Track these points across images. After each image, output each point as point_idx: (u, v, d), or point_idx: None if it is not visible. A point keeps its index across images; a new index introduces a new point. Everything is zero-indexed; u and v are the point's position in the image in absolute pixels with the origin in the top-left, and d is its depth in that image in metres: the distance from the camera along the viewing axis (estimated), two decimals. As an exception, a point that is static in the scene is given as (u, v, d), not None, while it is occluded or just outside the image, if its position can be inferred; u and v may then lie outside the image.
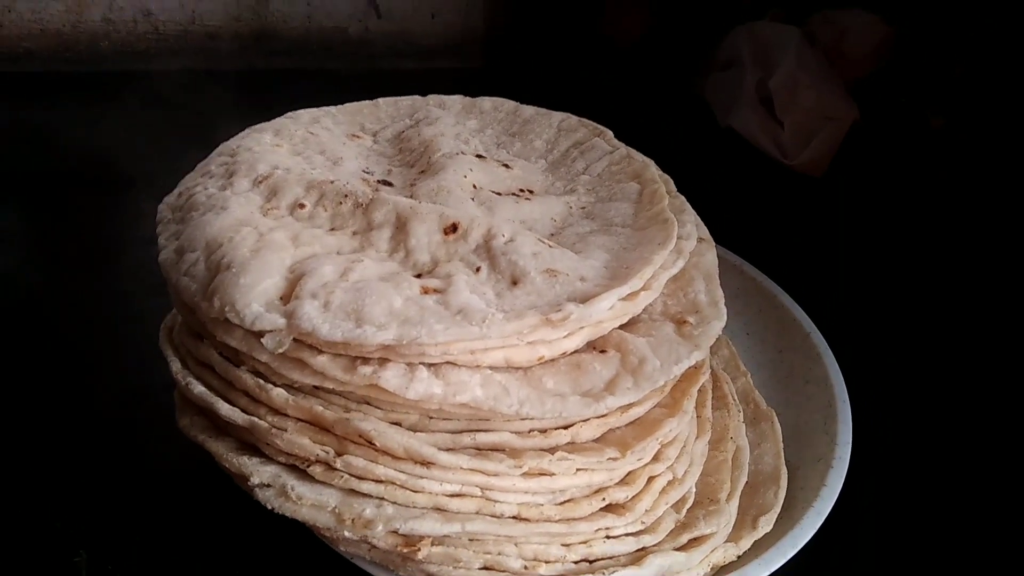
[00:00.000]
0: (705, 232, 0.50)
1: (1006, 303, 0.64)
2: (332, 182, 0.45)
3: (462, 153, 0.51)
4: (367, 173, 0.50)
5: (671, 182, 0.52)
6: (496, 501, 0.38)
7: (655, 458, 0.42)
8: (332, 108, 0.59)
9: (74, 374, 0.57)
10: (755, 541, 0.44)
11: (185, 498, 0.48)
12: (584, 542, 0.39)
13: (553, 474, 0.38)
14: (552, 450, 0.39)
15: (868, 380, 0.55)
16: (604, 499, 0.39)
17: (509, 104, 0.60)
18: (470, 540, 0.38)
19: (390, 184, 0.49)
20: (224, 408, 0.39)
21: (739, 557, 0.43)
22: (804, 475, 0.48)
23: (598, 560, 0.39)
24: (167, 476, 0.49)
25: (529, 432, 0.39)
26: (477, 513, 0.37)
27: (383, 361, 0.37)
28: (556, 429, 0.40)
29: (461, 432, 0.39)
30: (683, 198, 0.51)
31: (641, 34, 0.93)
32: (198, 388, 0.41)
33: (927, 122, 0.66)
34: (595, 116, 0.58)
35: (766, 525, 0.44)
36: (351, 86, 0.64)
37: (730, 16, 0.86)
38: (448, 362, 0.38)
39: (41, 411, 0.54)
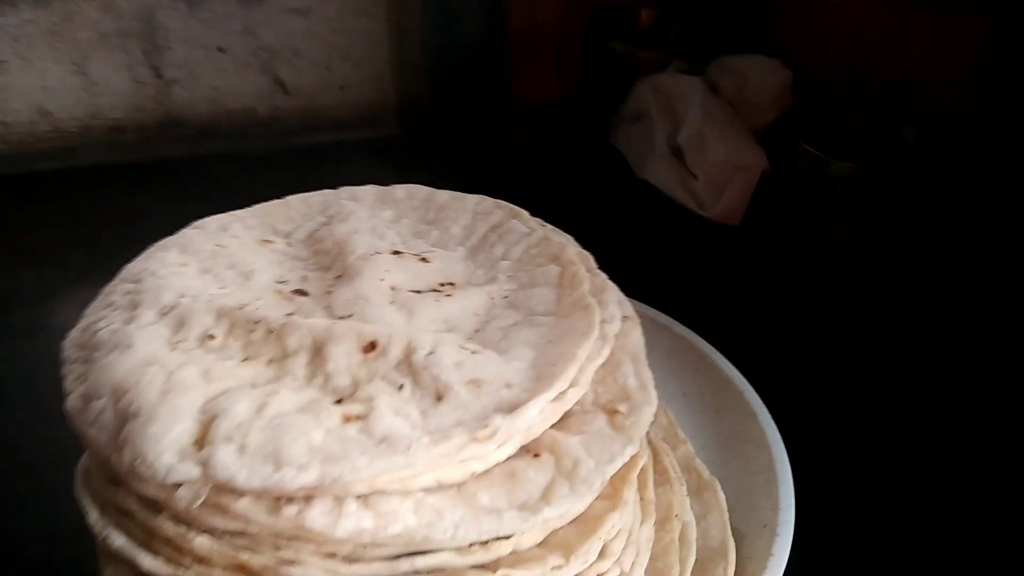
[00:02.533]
0: (629, 309, 0.50)
1: (934, 340, 0.65)
2: (242, 308, 0.43)
3: (377, 253, 0.50)
4: (281, 283, 0.49)
5: (590, 258, 0.52)
6: (442, 632, 0.36)
7: (600, 555, 0.41)
8: (241, 212, 0.57)
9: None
10: (710, 622, 0.44)
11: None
12: (538, 655, 0.38)
13: (498, 594, 0.37)
14: (493, 566, 0.38)
15: (806, 434, 0.56)
16: (553, 608, 0.38)
17: (423, 191, 0.60)
18: (418, 677, 0.36)
19: (306, 293, 0.48)
20: (147, 561, 0.37)
21: (696, 643, 0.43)
22: (751, 544, 0.48)
23: (554, 673, 0.38)
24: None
25: (470, 546, 0.38)
26: (424, 647, 0.36)
27: (308, 498, 0.36)
28: (497, 540, 0.39)
29: (399, 557, 0.38)
30: (603, 275, 0.51)
31: (554, 97, 0.94)
32: (118, 540, 0.39)
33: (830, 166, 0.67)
34: (514, 175, 0.58)
35: (719, 605, 0.44)
36: (265, 165, 0.63)
37: (637, 70, 0.87)
38: (377, 491, 0.36)
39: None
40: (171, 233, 0.52)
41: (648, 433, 0.53)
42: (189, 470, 0.35)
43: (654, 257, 0.61)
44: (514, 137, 0.95)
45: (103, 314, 0.45)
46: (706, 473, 0.53)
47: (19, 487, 0.57)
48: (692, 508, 0.50)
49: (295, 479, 0.34)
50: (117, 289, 0.47)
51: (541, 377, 0.40)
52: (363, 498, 0.36)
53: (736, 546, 0.48)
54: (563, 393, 0.40)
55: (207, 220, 0.55)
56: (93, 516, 0.41)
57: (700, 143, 0.72)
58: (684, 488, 0.50)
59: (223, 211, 0.55)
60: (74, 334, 0.46)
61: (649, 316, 0.65)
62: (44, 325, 0.74)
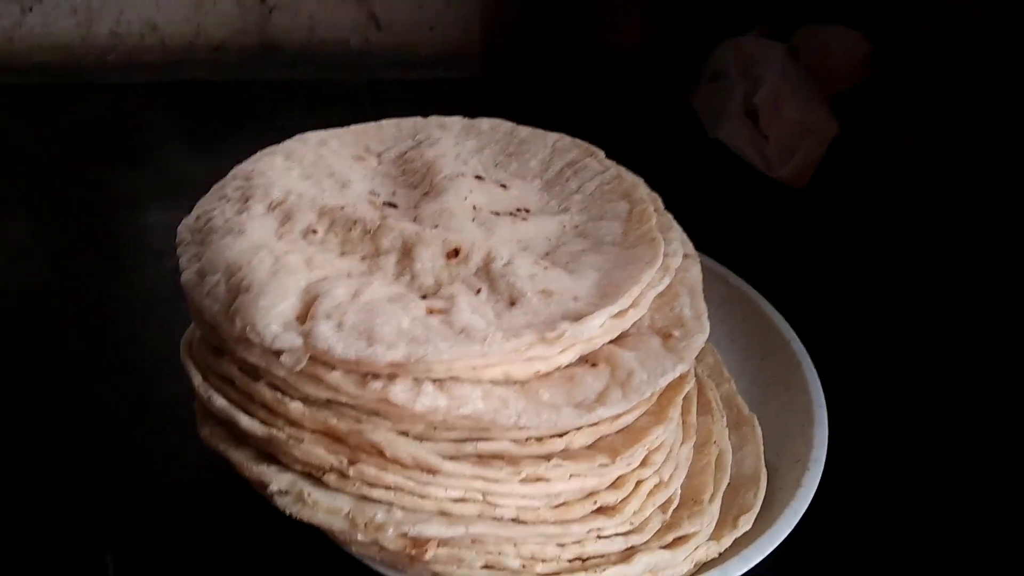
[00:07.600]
0: (690, 248, 0.53)
1: (981, 312, 0.67)
2: (342, 208, 0.48)
3: (462, 175, 0.54)
4: (374, 195, 0.53)
5: (659, 200, 0.55)
6: (496, 505, 0.41)
7: (643, 463, 0.45)
8: (338, 130, 0.61)
9: (94, 383, 0.61)
10: (736, 539, 0.48)
11: (205, 503, 0.51)
12: (577, 542, 0.42)
13: (549, 479, 0.41)
14: (548, 457, 0.42)
15: (846, 386, 0.58)
16: (595, 502, 0.43)
17: (506, 125, 0.63)
18: (472, 541, 0.41)
19: (395, 206, 0.52)
20: (244, 420, 0.43)
21: (720, 554, 0.47)
22: (783, 476, 0.52)
23: (590, 558, 0.43)
24: (188, 482, 0.52)
25: (527, 440, 0.43)
26: (479, 516, 0.41)
27: (392, 376, 0.40)
28: (551, 437, 0.43)
29: (464, 441, 0.42)
30: (670, 216, 0.54)
31: (638, 43, 0.96)
32: (219, 401, 0.44)
33: (906, 137, 0.69)
34: (589, 124, 0.61)
35: (746, 524, 0.48)
36: (353, 96, 0.67)
37: (720, 29, 0.89)
38: (452, 377, 0.41)
39: (64, 421, 0.57)
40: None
41: (695, 368, 0.57)
42: (293, 339, 0.40)
43: (717, 212, 0.63)
44: (593, 86, 0.97)
45: (216, 204, 0.50)
46: (746, 409, 0.56)
47: (126, 361, 0.63)
48: (730, 439, 0.53)
49: (385, 354, 0.39)
50: (229, 184, 0.52)
51: (606, 295, 0.44)
52: (439, 382, 0.41)
53: (768, 478, 0.52)
54: (624, 311, 0.44)
55: (307, 134, 0.60)
56: (197, 380, 0.46)
57: (776, 103, 0.74)
58: (724, 420, 0.54)
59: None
60: (188, 220, 0.51)
61: (705, 265, 0.67)
62: (143, 225, 0.79)
